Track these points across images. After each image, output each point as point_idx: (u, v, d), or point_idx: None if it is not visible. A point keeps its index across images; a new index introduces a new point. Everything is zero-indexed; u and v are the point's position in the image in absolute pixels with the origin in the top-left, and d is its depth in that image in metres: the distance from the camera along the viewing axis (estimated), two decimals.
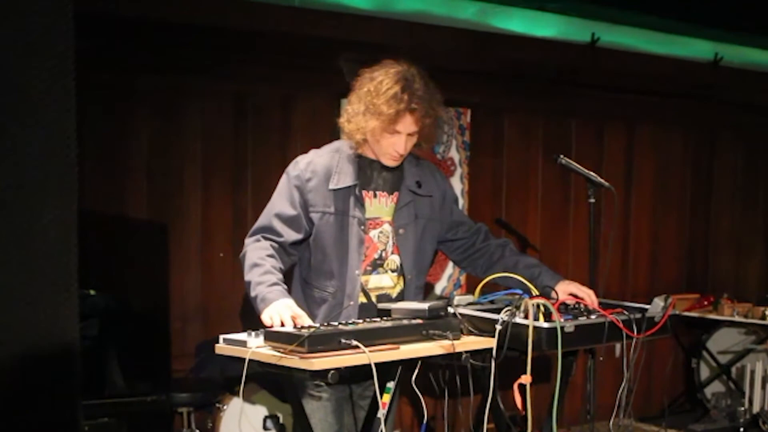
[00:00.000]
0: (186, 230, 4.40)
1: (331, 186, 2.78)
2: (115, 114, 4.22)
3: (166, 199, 4.36)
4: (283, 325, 2.49)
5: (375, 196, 2.86)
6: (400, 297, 2.89)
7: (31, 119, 1.26)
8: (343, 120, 2.81)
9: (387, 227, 2.86)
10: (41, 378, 1.25)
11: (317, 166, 2.80)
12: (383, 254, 2.86)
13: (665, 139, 6.08)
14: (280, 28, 4.16)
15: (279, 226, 2.78)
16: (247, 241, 2.82)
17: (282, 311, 2.53)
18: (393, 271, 2.88)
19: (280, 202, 2.81)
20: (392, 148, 2.75)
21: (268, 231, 2.79)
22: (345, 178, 2.79)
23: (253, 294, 2.63)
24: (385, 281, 2.88)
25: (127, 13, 3.80)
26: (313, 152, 2.88)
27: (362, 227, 2.80)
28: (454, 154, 5.12)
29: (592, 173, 3.41)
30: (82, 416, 1.28)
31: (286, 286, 2.66)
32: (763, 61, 5.83)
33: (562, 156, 3.49)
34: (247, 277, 2.68)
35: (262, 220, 2.83)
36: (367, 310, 2.80)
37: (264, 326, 2.52)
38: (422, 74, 2.77)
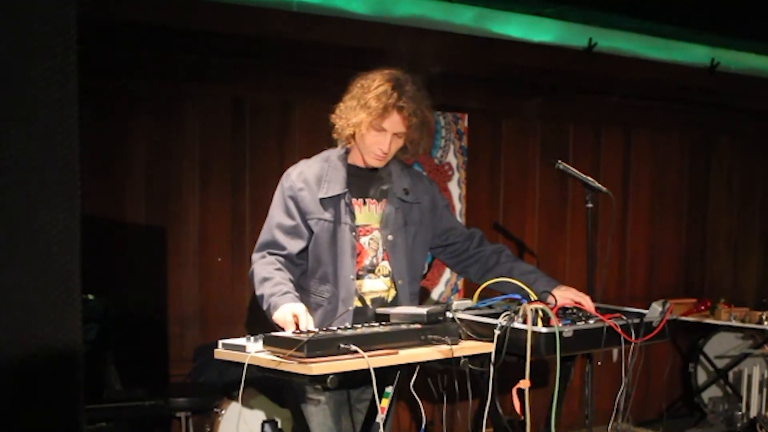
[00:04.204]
0: (184, 234, 4.41)
1: (321, 195, 2.81)
2: (113, 118, 4.22)
3: (164, 203, 4.36)
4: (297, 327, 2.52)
5: (365, 203, 2.89)
6: (395, 302, 2.90)
7: (33, 121, 1.26)
8: (335, 116, 2.85)
9: (377, 234, 2.89)
10: (44, 382, 1.25)
11: (308, 176, 2.84)
12: (374, 260, 2.88)
13: (662, 144, 6.09)
14: (279, 32, 4.16)
15: (282, 238, 2.81)
16: (254, 257, 2.85)
17: (285, 314, 2.57)
18: (385, 276, 2.90)
19: (279, 214, 2.84)
20: (377, 146, 2.78)
21: (271, 246, 2.82)
22: (335, 186, 2.83)
23: (265, 306, 2.68)
24: (378, 285, 2.89)
25: (126, 18, 3.80)
26: (302, 162, 2.92)
27: (353, 234, 2.82)
28: (452, 158, 5.12)
29: (589, 178, 3.42)
30: (84, 421, 1.28)
31: (297, 294, 2.70)
32: (760, 67, 5.85)
33: (560, 161, 3.50)
34: (258, 292, 2.73)
35: (265, 236, 2.85)
36: (362, 314, 2.82)
37: (268, 330, 2.54)
38: (415, 80, 2.82)
